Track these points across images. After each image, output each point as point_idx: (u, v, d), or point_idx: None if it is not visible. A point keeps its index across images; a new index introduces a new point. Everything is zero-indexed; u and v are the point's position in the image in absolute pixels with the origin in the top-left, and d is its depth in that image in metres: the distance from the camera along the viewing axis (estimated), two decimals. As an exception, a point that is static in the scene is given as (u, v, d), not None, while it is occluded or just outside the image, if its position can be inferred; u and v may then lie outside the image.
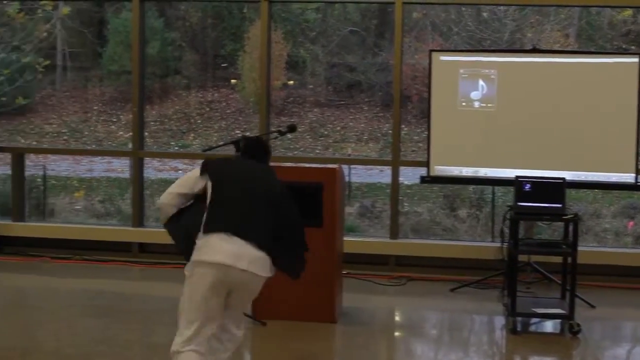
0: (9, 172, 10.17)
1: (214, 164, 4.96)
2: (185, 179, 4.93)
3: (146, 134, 10.59)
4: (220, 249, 4.58)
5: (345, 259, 7.46)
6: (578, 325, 6.71)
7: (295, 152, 17.88)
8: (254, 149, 5.14)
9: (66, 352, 6.00)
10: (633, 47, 17.11)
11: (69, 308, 7.43)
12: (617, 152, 7.98)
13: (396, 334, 7.18)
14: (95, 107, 21.42)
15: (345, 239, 7.37)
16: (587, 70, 8.12)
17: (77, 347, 6.18)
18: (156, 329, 6.74)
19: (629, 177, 7.97)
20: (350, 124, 20.22)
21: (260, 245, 4.63)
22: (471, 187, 12.65)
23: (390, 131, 14.35)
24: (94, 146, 19.65)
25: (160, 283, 8.39)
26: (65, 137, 20.52)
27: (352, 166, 15.05)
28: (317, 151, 19.01)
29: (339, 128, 20.20)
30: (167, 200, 4.86)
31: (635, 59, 7.97)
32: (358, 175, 16.25)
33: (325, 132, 20.07)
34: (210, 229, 4.66)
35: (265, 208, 4.75)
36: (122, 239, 9.31)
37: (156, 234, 9.04)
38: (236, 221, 4.65)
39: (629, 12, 16.32)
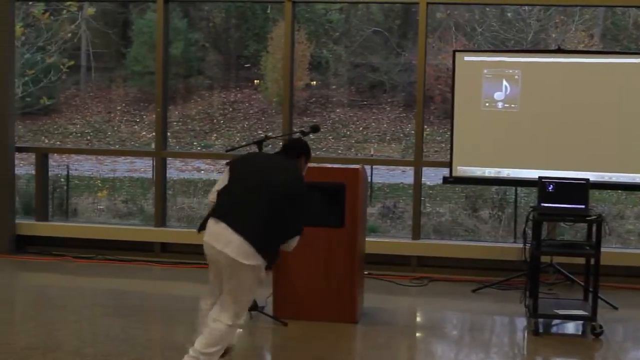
0: (33, 172, 10.26)
1: (236, 159, 5.47)
2: (222, 176, 5.38)
3: (169, 134, 10.61)
4: (212, 231, 5.10)
5: (367, 260, 7.45)
6: (600, 327, 6.66)
7: (318, 153, 17.89)
8: (287, 147, 5.56)
9: (87, 352, 6.01)
10: (658, 48, 17.02)
11: (91, 307, 7.46)
12: (642, 153, 7.93)
13: (417, 334, 7.16)
14: (118, 108, 21.55)
15: (367, 239, 7.34)
16: (611, 70, 8.06)
17: (99, 347, 6.20)
18: (178, 329, 6.75)
19: (653, 178, 7.93)
20: (373, 124, 20.22)
21: (245, 235, 4.95)
22: (494, 188, 12.61)
23: (412, 132, 14.34)
24: (117, 146, 19.76)
25: (182, 283, 8.41)
26: (88, 137, 20.65)
27: (374, 166, 15.03)
28: (340, 151, 19.02)
29: (361, 128, 20.19)
30: (211, 197, 5.36)
31: (660, 59, 7.93)
32: (380, 175, 16.26)
33: (348, 133, 20.08)
34: (212, 215, 5.16)
35: (268, 201, 5.04)
36: (145, 239, 9.33)
37: (178, 233, 9.06)
38: (230, 210, 5.07)
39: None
